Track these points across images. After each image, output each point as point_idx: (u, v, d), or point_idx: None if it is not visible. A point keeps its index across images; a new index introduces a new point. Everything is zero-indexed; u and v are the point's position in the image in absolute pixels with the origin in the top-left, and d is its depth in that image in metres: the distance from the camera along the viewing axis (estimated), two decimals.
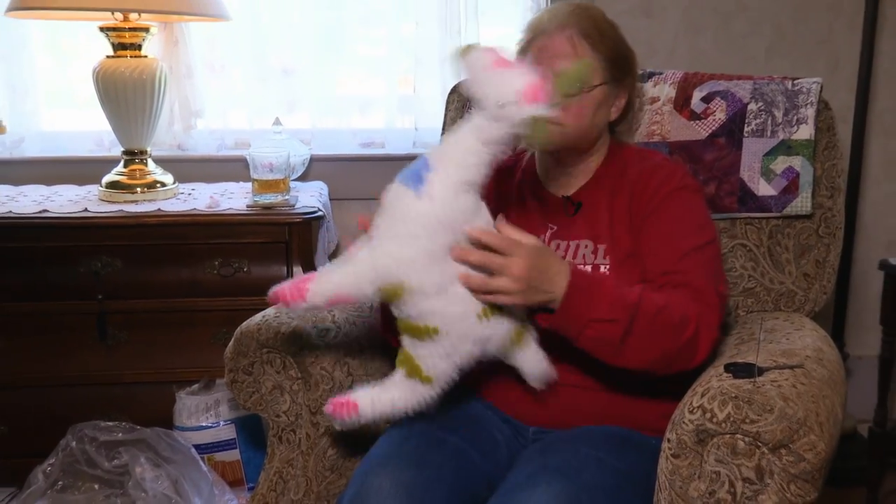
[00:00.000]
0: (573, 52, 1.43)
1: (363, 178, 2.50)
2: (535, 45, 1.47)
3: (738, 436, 1.14)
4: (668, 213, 1.43)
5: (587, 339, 1.28)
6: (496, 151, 1.20)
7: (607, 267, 1.44)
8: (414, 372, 1.28)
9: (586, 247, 1.47)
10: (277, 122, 2.28)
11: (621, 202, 1.48)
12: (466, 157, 1.20)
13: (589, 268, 1.44)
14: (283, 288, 1.26)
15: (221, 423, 2.09)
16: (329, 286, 1.24)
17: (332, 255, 2.45)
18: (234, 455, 2.11)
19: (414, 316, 1.24)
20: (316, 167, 2.49)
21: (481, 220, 1.25)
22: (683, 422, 1.18)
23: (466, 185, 1.21)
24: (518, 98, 1.14)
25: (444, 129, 1.99)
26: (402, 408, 1.30)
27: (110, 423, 2.00)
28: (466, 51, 1.19)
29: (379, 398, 1.30)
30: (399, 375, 1.30)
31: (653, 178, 1.47)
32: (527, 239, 1.26)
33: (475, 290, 1.23)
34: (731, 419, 1.14)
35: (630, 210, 1.47)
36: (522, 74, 1.16)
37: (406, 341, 1.28)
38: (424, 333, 1.24)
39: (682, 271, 1.38)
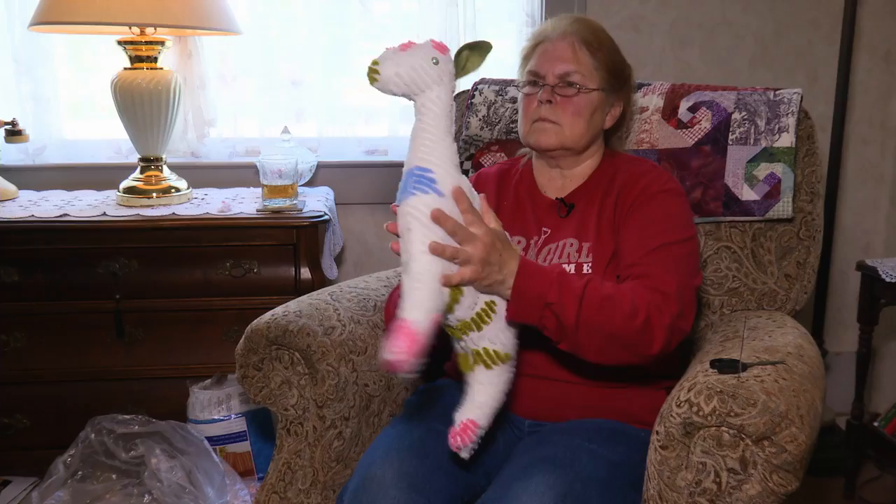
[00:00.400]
0: (573, 56, 1.46)
1: (367, 183, 2.51)
2: (538, 49, 1.51)
3: (724, 428, 1.14)
4: (645, 212, 1.44)
5: (548, 325, 1.26)
6: (452, 124, 1.23)
7: (590, 265, 1.44)
8: (493, 360, 1.26)
9: (571, 245, 1.47)
10: (286, 130, 2.28)
11: (609, 204, 1.48)
12: (444, 145, 1.21)
13: (572, 266, 1.44)
14: (398, 353, 1.10)
15: (233, 416, 2.08)
16: (427, 319, 1.14)
17: (338, 257, 2.45)
18: (244, 447, 2.10)
19: (469, 308, 1.24)
20: (322, 173, 2.49)
21: (474, 195, 1.27)
22: (671, 415, 1.18)
23: (458, 169, 1.24)
24: (437, 48, 1.21)
25: None
26: (503, 397, 1.29)
27: (127, 417, 2.00)
28: (377, 62, 1.19)
29: (484, 404, 1.28)
30: (480, 374, 1.27)
31: (639, 181, 1.48)
32: (492, 223, 1.26)
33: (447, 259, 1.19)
34: (717, 413, 1.14)
35: (615, 211, 1.47)
36: (425, 40, 1.23)
37: (465, 343, 1.27)
38: (484, 320, 1.25)
39: (644, 264, 1.38)
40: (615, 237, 1.45)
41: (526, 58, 1.54)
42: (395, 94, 1.21)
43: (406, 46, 1.21)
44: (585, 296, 1.26)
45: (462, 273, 1.19)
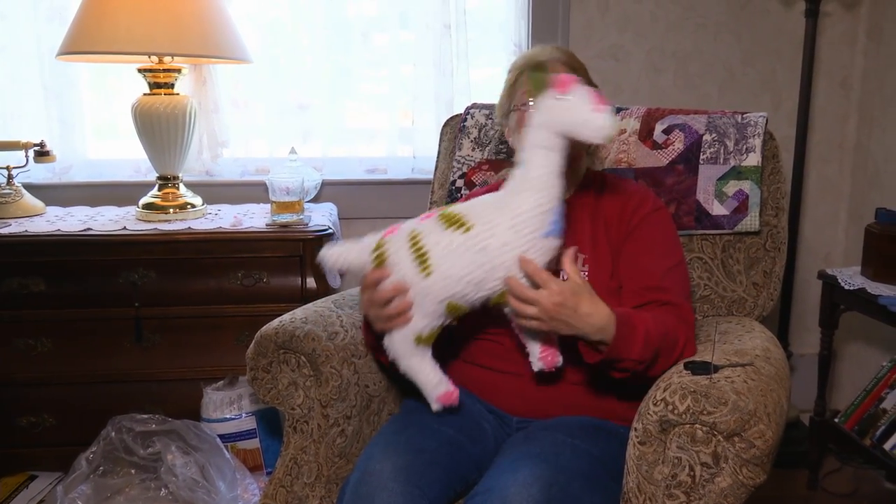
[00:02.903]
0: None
1: (368, 199, 2.50)
2: (524, 76, 1.49)
3: (697, 425, 1.13)
4: (645, 234, 1.44)
5: (618, 370, 1.30)
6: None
7: (586, 273, 1.44)
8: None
9: None
10: (293, 151, 2.27)
11: (600, 218, 1.48)
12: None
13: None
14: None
15: (243, 415, 2.07)
16: None
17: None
18: (254, 443, 2.09)
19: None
20: (327, 190, 2.48)
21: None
22: (648, 413, 1.18)
23: None
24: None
25: (438, 157, 1.98)
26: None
27: (145, 416, 1.98)
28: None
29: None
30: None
31: (627, 205, 1.48)
32: (574, 279, 1.25)
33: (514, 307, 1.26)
34: (691, 411, 1.13)
35: (608, 236, 1.47)
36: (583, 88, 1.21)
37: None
38: None
39: (664, 289, 1.39)
40: (612, 252, 1.45)
41: (512, 85, 1.53)
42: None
43: (566, 87, 1.21)
44: (649, 341, 1.27)
45: (533, 325, 1.26)
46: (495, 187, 1.65)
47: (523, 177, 1.24)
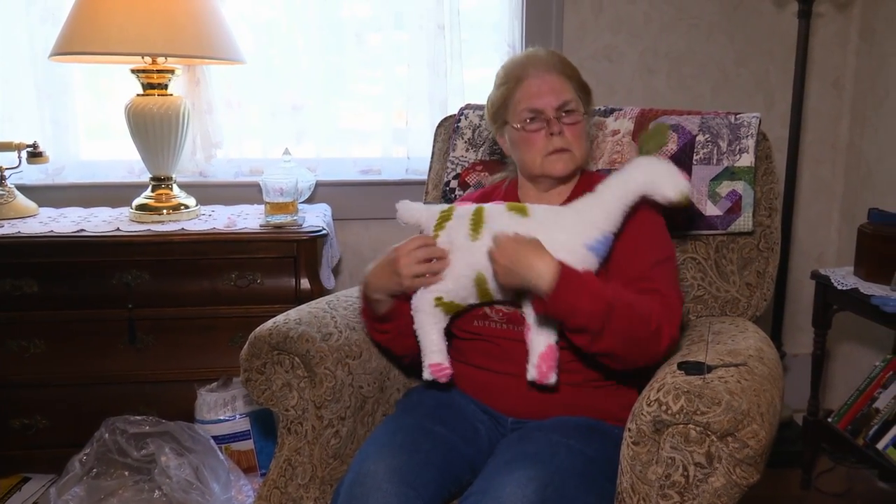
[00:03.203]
0: (563, 86, 1.46)
1: (362, 200, 2.50)
2: (523, 87, 1.47)
3: (691, 426, 1.14)
4: (634, 229, 1.43)
5: (575, 324, 1.29)
6: None
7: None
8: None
9: None
10: (287, 151, 2.28)
11: None
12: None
13: None
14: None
15: (237, 416, 2.07)
16: None
17: (335, 269, 2.44)
18: (248, 445, 2.09)
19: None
20: (321, 191, 2.48)
21: None
22: (642, 413, 1.18)
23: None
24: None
25: (432, 157, 1.98)
26: None
27: (139, 417, 1.98)
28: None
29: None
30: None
31: None
32: (526, 237, 1.32)
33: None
34: (684, 411, 1.13)
35: None
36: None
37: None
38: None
39: (650, 279, 1.39)
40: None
41: (507, 97, 1.50)
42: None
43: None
44: (615, 304, 1.28)
45: (497, 271, 1.33)
46: (489, 191, 1.65)
47: (599, 196, 1.38)
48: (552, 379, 1.35)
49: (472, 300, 1.42)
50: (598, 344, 1.29)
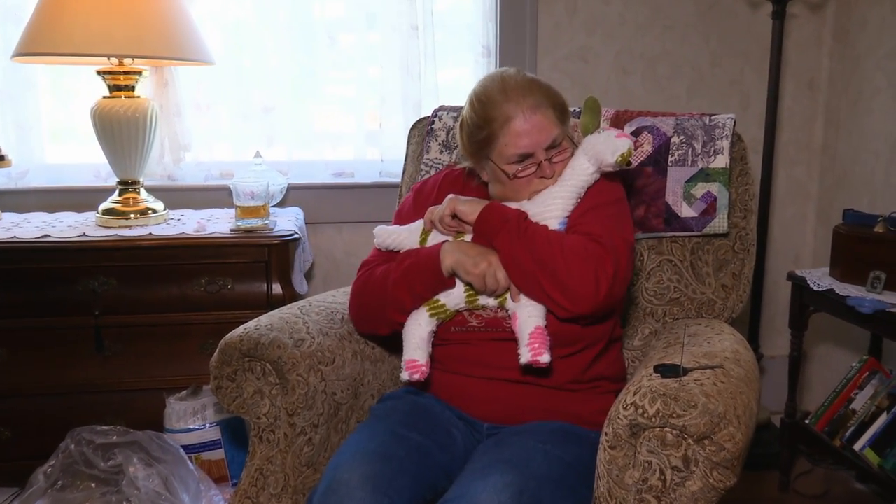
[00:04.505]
0: (549, 123, 1.43)
1: (335, 204, 2.49)
2: (510, 129, 1.41)
3: (667, 429, 1.14)
4: (587, 198, 1.46)
5: (501, 239, 1.39)
6: None
7: None
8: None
9: None
10: (258, 154, 2.26)
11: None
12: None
13: None
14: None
15: (207, 425, 2.05)
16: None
17: (308, 273, 2.42)
18: (219, 454, 2.07)
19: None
20: (293, 194, 2.47)
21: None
22: (618, 417, 1.18)
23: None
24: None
25: (406, 160, 1.98)
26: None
27: (106, 427, 1.95)
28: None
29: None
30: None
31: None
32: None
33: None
34: (661, 414, 1.14)
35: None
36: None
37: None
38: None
39: (582, 223, 1.42)
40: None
41: (491, 138, 1.43)
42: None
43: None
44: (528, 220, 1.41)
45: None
46: (439, 178, 1.64)
47: (558, 193, 1.45)
48: (546, 357, 1.33)
49: (462, 305, 1.45)
50: (513, 247, 1.37)
